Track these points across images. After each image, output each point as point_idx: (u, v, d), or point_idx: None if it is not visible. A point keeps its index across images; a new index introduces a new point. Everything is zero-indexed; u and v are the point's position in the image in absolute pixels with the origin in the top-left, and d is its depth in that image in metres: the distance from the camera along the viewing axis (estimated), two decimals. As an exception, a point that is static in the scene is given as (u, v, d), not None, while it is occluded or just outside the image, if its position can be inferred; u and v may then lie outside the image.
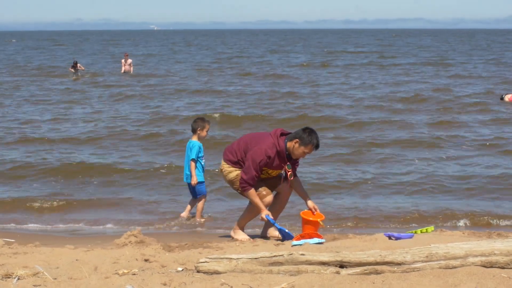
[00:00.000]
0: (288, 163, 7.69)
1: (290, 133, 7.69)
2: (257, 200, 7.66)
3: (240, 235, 8.03)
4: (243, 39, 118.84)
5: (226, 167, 7.84)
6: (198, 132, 9.40)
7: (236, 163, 7.75)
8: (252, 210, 7.90)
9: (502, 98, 23.21)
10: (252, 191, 7.62)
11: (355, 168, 12.97)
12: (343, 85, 29.34)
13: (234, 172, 7.77)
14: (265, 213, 7.69)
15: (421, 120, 19.11)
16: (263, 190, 7.79)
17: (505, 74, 34.36)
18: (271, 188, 7.90)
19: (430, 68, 39.15)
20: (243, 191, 7.66)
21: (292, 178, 7.78)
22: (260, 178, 7.77)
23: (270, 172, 7.77)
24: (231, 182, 7.87)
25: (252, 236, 8.03)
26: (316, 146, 7.58)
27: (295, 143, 7.54)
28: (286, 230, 7.76)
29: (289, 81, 31.59)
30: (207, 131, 9.49)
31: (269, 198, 7.81)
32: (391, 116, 19.90)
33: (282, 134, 7.66)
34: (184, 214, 9.73)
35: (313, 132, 7.57)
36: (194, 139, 9.43)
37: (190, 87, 28.69)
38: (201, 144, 9.45)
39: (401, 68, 39.86)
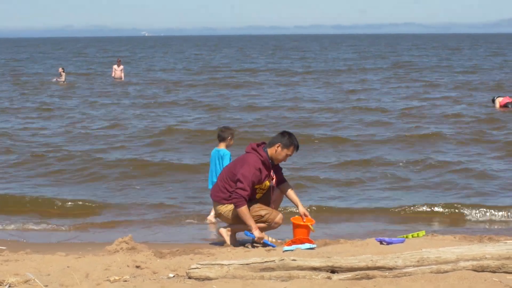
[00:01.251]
0: (271, 170, 7.80)
1: (263, 143, 7.83)
2: (248, 217, 7.56)
3: (231, 241, 7.99)
4: (234, 46, 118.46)
5: (223, 208, 7.79)
6: (228, 140, 9.49)
7: (229, 198, 7.68)
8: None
9: (493, 101, 21.81)
10: (244, 208, 7.54)
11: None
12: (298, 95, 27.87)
13: (235, 209, 7.70)
14: (258, 233, 7.58)
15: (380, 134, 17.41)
16: (271, 211, 7.78)
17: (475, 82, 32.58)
18: (268, 204, 7.88)
19: (394, 75, 38.31)
20: (236, 207, 7.56)
21: (275, 184, 7.89)
22: (257, 199, 7.79)
23: (263, 187, 7.78)
24: (235, 220, 7.78)
25: (243, 243, 8.00)
26: (297, 147, 7.77)
27: (277, 147, 7.68)
28: (268, 242, 7.71)
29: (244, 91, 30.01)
30: (233, 139, 9.67)
31: (279, 218, 7.79)
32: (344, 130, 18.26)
33: (257, 146, 7.79)
34: (211, 217, 9.75)
35: (292, 135, 7.78)
36: (222, 147, 9.48)
37: (172, 98, 27.50)
38: (230, 153, 9.52)
39: (363, 76, 38.12)
